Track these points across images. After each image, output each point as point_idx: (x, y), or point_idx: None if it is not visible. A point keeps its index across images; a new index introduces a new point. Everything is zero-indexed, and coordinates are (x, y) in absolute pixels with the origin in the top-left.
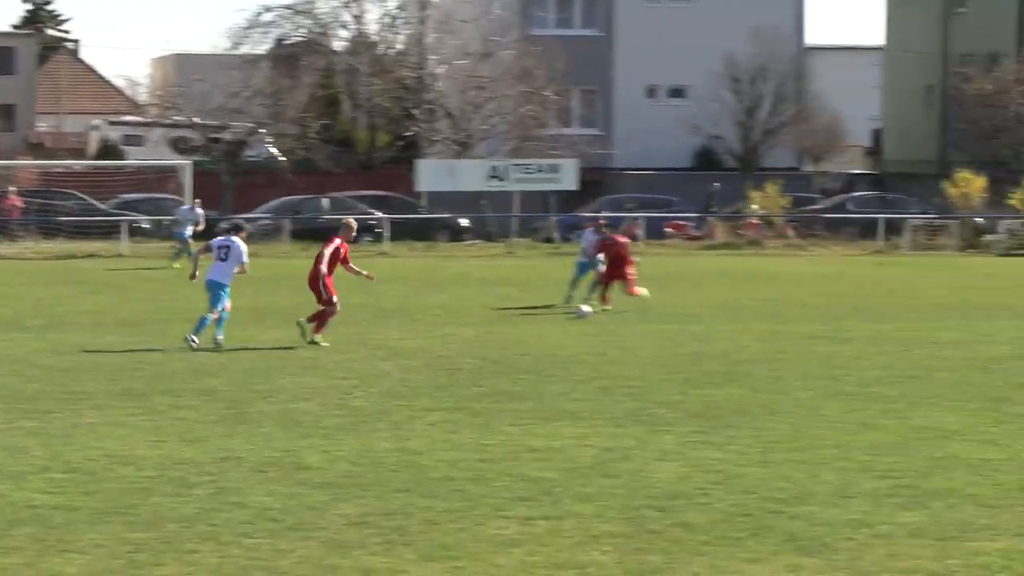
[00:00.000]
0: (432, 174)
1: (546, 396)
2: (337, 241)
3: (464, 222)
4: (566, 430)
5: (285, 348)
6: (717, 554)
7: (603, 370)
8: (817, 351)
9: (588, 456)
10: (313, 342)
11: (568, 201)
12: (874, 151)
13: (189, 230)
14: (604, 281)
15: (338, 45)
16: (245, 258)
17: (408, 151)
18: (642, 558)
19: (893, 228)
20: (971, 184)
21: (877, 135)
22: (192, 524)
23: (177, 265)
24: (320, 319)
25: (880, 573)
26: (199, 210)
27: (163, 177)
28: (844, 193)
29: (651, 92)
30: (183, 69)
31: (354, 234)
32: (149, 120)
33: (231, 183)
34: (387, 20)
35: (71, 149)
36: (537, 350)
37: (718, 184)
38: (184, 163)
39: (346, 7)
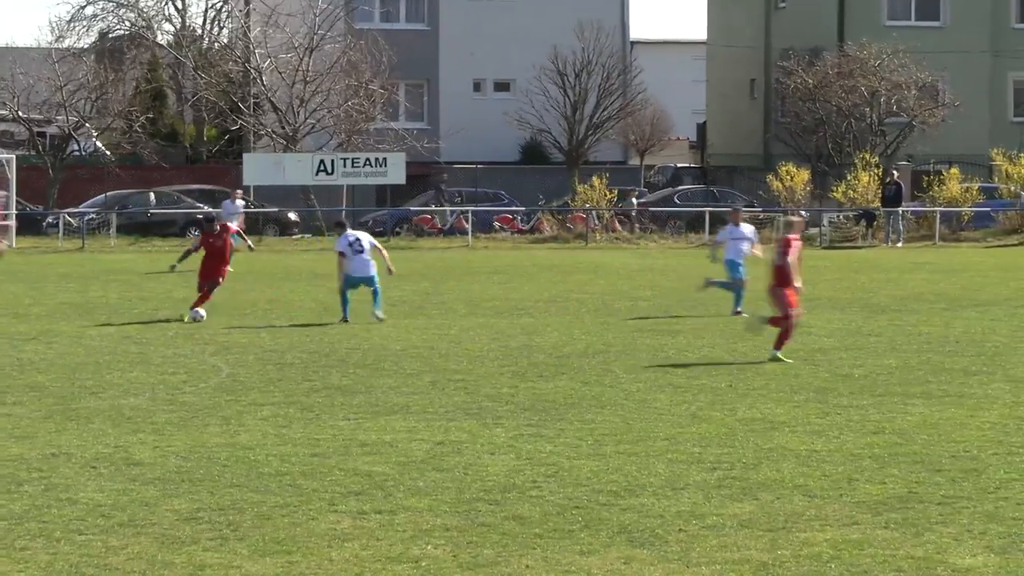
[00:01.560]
0: (259, 168)
1: (377, 390)
2: (795, 242)
3: (292, 216)
4: (398, 424)
5: (123, 342)
6: (550, 546)
7: (433, 364)
8: (645, 343)
9: (420, 450)
10: (776, 359)
11: (396, 195)
12: (699, 145)
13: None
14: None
15: (163, 39)
16: (375, 240)
17: (235, 145)
18: (475, 551)
19: (719, 221)
20: (795, 178)
21: (702, 129)
22: (22, 521)
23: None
24: (783, 333)
25: (711, 564)
26: (240, 202)
27: None
28: (669, 187)
29: (477, 86)
30: (6, 62)
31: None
32: None
33: (56, 178)
34: (212, 14)
35: None
36: (367, 344)
37: (637, 190)
38: (8, 157)
39: (170, 0)
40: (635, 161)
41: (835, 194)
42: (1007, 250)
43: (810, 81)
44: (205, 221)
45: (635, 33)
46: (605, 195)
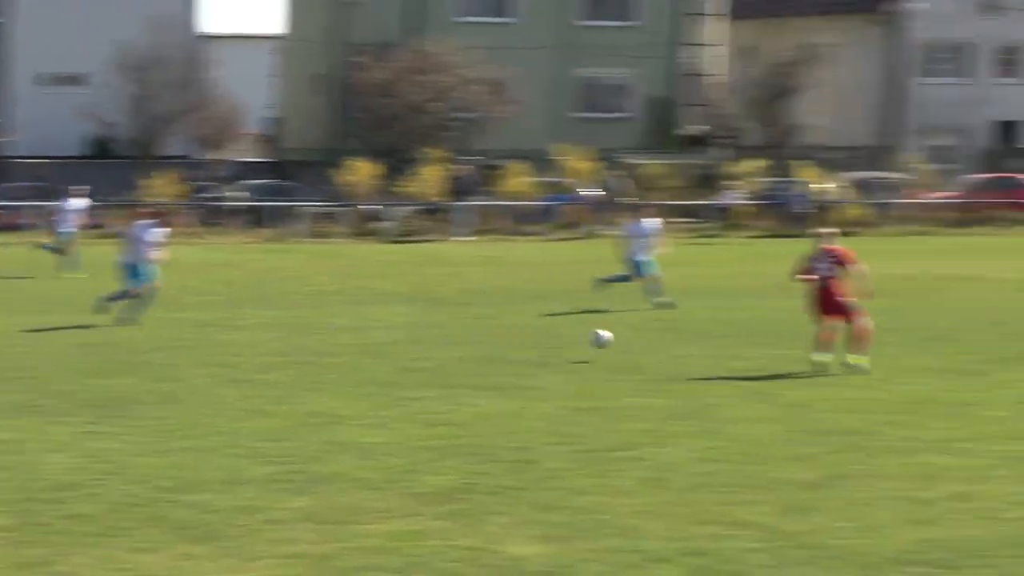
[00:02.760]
0: None
1: None
2: None
3: None
4: None
5: None
6: (107, 544)
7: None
8: (213, 339)
9: None
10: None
11: None
12: (270, 139)
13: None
14: None
15: None
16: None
17: None
18: (27, 552)
19: (288, 215)
20: (360, 171)
21: (273, 123)
22: None
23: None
24: None
25: (269, 557)
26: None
27: None
28: (232, 181)
29: (47, 79)
30: None
31: None
32: None
33: None
34: None
35: None
36: None
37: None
38: None
39: None
40: (208, 155)
41: (403, 188)
42: (568, 244)
43: (382, 77)
44: None
45: (211, 27)
46: (177, 189)
